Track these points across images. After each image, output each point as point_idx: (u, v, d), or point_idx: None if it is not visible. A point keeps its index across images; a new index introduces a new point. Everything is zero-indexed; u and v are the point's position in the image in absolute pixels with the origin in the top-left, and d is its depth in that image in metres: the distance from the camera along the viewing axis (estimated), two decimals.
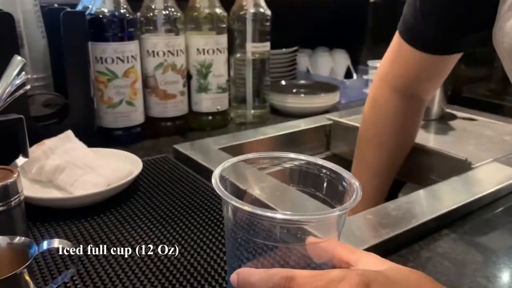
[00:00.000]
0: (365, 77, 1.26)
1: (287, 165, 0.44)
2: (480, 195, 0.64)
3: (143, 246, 0.54)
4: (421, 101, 0.77)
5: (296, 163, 0.44)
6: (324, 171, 0.42)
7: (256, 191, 0.47)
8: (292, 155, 0.43)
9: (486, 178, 0.70)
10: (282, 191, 0.53)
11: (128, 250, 0.53)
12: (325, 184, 0.42)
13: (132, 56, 0.87)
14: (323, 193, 0.42)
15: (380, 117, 0.78)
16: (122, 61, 0.86)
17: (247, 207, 0.34)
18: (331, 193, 0.41)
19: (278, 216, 0.34)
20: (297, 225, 0.38)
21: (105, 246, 0.54)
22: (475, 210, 0.63)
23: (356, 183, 0.38)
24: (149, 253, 0.53)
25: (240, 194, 0.41)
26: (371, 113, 0.79)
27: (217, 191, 0.36)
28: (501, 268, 0.52)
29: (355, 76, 1.42)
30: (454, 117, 1.04)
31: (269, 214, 0.34)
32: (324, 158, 1.00)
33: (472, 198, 0.63)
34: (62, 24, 0.79)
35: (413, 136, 0.81)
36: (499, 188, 0.66)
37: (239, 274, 0.35)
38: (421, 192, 0.65)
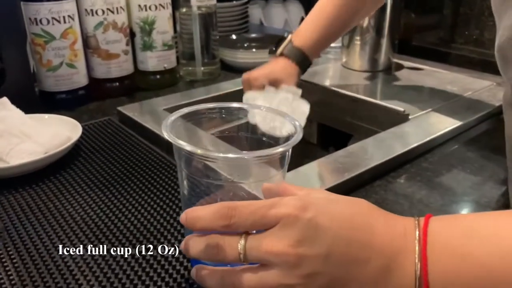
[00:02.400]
0: None
1: (234, 117, 0.49)
2: (412, 146, 0.66)
3: (82, 213, 0.55)
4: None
5: (242, 113, 0.49)
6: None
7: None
8: (235, 104, 0.48)
9: (421, 129, 0.72)
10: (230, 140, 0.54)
11: (64, 217, 0.54)
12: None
13: (69, 16, 0.83)
14: (268, 137, 0.47)
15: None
16: (59, 21, 0.82)
17: (194, 149, 0.38)
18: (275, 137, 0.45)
19: (220, 155, 0.39)
20: (237, 162, 0.41)
21: (40, 215, 0.54)
22: (408, 161, 0.66)
23: (297, 124, 0.43)
24: (87, 219, 0.53)
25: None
26: None
27: (168, 138, 0.40)
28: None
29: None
30: (401, 67, 1.05)
31: (212, 154, 0.38)
32: None
33: (405, 149, 0.65)
34: None
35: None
36: (433, 138, 0.69)
37: (187, 213, 0.37)
38: (355, 146, 0.67)
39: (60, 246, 0.49)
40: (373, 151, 0.65)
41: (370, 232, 0.35)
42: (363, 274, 0.34)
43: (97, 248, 0.48)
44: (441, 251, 0.33)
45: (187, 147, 0.39)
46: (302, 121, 0.71)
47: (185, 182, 0.43)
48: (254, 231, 0.36)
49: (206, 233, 0.37)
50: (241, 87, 0.96)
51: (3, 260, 0.47)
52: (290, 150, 0.41)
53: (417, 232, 0.34)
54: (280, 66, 0.81)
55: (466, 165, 0.66)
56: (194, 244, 0.37)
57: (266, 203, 0.35)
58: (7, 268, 0.46)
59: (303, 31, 0.83)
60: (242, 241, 0.35)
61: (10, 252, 0.48)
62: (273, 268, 0.34)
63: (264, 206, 0.35)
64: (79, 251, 0.48)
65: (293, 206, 0.34)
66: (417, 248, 0.34)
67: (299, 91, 0.77)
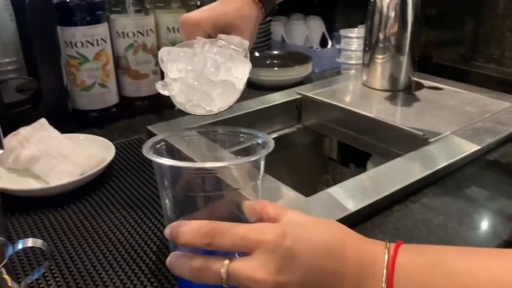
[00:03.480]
0: (337, 46, 1.27)
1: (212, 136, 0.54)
2: (432, 170, 0.68)
3: (116, 232, 0.58)
4: None
5: (221, 132, 0.53)
6: (242, 135, 0.51)
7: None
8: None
9: (440, 153, 0.74)
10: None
11: (99, 235, 0.57)
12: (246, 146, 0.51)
13: (102, 39, 0.88)
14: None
15: None
16: (92, 44, 0.87)
17: (171, 162, 0.42)
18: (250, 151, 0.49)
19: (196, 165, 0.44)
20: (212, 173, 0.44)
21: (77, 233, 0.58)
22: (426, 185, 0.68)
23: (268, 139, 0.47)
24: (121, 238, 0.57)
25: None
26: None
27: (147, 155, 0.44)
28: (446, 243, 0.57)
29: (330, 43, 1.43)
30: (421, 86, 1.07)
31: (187, 165, 0.43)
32: (295, 131, 1.04)
33: (424, 174, 0.67)
34: (28, 10, 0.80)
35: None
36: (451, 162, 0.71)
37: (171, 227, 0.39)
38: (375, 170, 0.69)
39: (97, 264, 0.53)
40: (393, 175, 0.68)
41: (343, 258, 0.38)
42: None
43: (130, 267, 0.52)
44: (406, 281, 0.37)
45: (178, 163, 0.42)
46: (239, 88, 0.56)
47: (167, 202, 0.46)
48: (236, 254, 0.39)
49: (190, 249, 0.40)
50: (264, 106, 1.00)
51: (47, 277, 0.51)
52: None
53: (385, 261, 0.38)
54: (233, 5, 0.62)
55: (485, 189, 0.68)
56: (179, 264, 0.39)
57: (247, 227, 0.38)
58: (49, 283, 0.50)
59: None
60: (225, 266, 0.37)
61: (52, 268, 0.52)
62: None
63: (246, 229, 0.38)
64: (114, 269, 0.52)
65: (273, 233, 0.37)
66: (384, 274, 0.37)
67: (245, 43, 0.59)
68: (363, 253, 0.39)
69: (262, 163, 0.46)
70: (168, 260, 0.41)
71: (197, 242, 0.38)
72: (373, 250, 0.39)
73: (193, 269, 0.38)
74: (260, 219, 0.43)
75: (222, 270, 0.37)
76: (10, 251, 0.44)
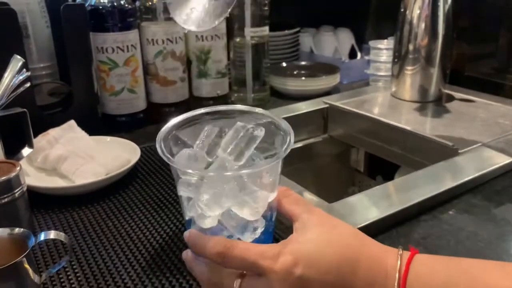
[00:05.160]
0: (366, 57, 1.26)
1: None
2: (461, 181, 0.66)
3: (138, 232, 0.59)
4: None
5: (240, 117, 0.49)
6: (264, 120, 0.48)
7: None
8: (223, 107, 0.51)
9: (470, 164, 0.72)
10: None
11: (121, 234, 0.58)
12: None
13: (132, 45, 0.90)
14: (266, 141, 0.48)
15: None
16: (122, 50, 0.89)
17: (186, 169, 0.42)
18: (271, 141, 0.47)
19: (208, 174, 0.43)
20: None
21: (100, 231, 0.59)
22: (456, 196, 0.66)
23: (290, 133, 0.45)
24: (142, 238, 0.57)
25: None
26: None
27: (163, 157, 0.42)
28: (474, 254, 0.55)
29: (359, 55, 1.42)
30: (451, 98, 1.04)
31: (198, 172, 0.42)
32: (321, 141, 1.02)
33: (453, 185, 0.65)
34: (62, 17, 0.82)
35: None
36: (482, 174, 0.69)
37: (191, 233, 0.42)
38: (403, 179, 0.67)
39: (117, 261, 0.53)
40: (421, 184, 0.66)
41: (354, 276, 0.38)
42: None
43: (150, 266, 0.52)
44: None
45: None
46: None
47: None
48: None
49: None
50: (290, 114, 0.99)
51: (67, 271, 0.51)
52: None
53: (396, 279, 0.37)
54: None
55: None
56: (197, 270, 0.42)
57: (259, 251, 0.38)
58: (69, 277, 0.50)
59: None
60: (237, 283, 0.39)
61: (73, 263, 0.53)
62: None
63: (257, 254, 0.38)
64: (134, 267, 0.52)
65: (285, 263, 0.37)
66: None
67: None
68: (375, 270, 0.39)
69: (278, 162, 0.43)
70: (185, 254, 0.43)
71: (210, 257, 0.40)
72: (384, 268, 0.39)
73: (209, 283, 0.41)
74: (279, 208, 0.44)
75: (235, 286, 0.39)
76: (32, 242, 0.44)
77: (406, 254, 0.39)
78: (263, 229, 0.42)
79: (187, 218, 0.44)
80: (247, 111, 0.50)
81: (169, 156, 0.43)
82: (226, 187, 0.41)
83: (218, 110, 0.51)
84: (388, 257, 0.39)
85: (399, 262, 0.38)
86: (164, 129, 0.47)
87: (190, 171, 0.42)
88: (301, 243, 0.40)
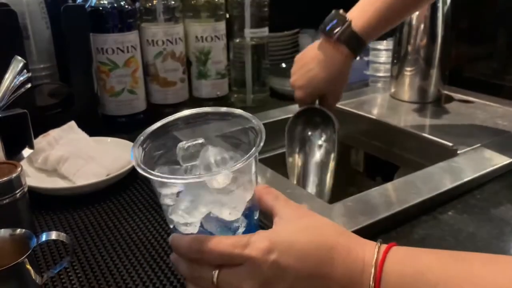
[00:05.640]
0: (365, 58, 1.27)
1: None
2: (461, 181, 0.66)
3: (138, 232, 0.59)
4: None
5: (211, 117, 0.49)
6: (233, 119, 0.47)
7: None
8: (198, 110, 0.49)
9: (470, 165, 0.72)
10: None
11: (121, 235, 0.58)
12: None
13: (132, 46, 0.90)
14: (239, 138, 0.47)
15: None
16: (123, 51, 0.89)
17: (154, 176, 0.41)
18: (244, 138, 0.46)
19: (178, 181, 0.41)
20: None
21: (100, 231, 0.59)
22: (455, 197, 0.66)
23: (262, 131, 0.43)
24: (142, 238, 0.57)
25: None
26: None
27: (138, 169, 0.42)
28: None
29: (357, 57, 1.42)
30: (451, 99, 1.05)
31: (171, 180, 0.40)
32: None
33: (453, 185, 0.65)
34: (63, 18, 0.83)
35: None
36: (481, 174, 0.69)
37: (173, 238, 0.42)
38: (402, 180, 0.68)
39: (118, 261, 0.53)
40: (420, 185, 0.66)
41: (331, 266, 0.38)
42: None
43: (150, 266, 0.52)
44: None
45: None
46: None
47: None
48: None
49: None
50: (289, 115, 0.99)
51: (69, 272, 0.51)
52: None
53: (372, 270, 0.38)
54: (331, 72, 0.77)
55: None
56: (180, 269, 0.43)
57: (234, 241, 0.39)
58: (70, 277, 0.50)
59: (362, 11, 0.74)
60: (215, 275, 0.39)
61: (74, 264, 0.53)
62: None
63: (232, 245, 0.38)
64: (135, 268, 0.52)
65: (258, 249, 0.38)
66: (371, 285, 0.37)
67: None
68: (352, 261, 0.39)
69: (252, 159, 0.41)
70: (172, 259, 0.43)
71: (191, 257, 0.41)
72: (361, 258, 0.39)
73: (191, 277, 0.42)
74: (260, 205, 0.44)
75: (214, 278, 0.39)
76: (34, 242, 0.45)
77: (384, 246, 0.39)
78: (244, 228, 0.43)
79: (171, 226, 0.44)
80: (215, 112, 0.49)
81: (140, 163, 0.42)
82: (202, 191, 0.42)
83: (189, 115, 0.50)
84: (365, 248, 0.39)
85: (375, 254, 0.38)
86: (139, 138, 0.46)
87: (163, 177, 0.41)
88: (276, 231, 0.40)
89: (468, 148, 0.77)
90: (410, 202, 0.61)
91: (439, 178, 0.68)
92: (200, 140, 0.47)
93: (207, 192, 0.42)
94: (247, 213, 0.43)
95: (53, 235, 0.46)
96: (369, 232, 0.57)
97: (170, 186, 0.43)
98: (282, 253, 0.38)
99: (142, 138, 0.46)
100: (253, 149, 0.41)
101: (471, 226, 0.60)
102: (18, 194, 0.54)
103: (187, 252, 0.41)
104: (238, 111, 0.47)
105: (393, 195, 0.64)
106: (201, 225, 0.42)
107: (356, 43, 0.75)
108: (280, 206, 0.42)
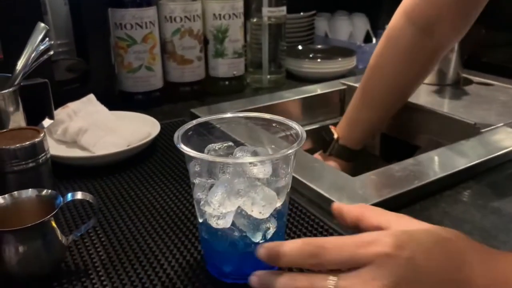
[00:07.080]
0: None
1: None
2: (485, 158, 0.65)
3: (160, 200, 0.58)
4: (438, 45, 0.73)
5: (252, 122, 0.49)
6: (274, 124, 0.47)
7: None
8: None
9: (493, 142, 0.71)
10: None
11: (144, 203, 0.58)
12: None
13: (150, 22, 0.89)
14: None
15: (391, 48, 0.75)
16: (141, 26, 0.88)
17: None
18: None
19: (229, 160, 0.43)
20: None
21: (122, 200, 0.59)
22: (479, 173, 0.65)
23: (299, 130, 0.43)
24: (165, 206, 0.57)
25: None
26: (383, 41, 0.76)
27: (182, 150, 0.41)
28: (492, 229, 0.54)
29: (374, 40, 1.41)
30: (469, 82, 1.03)
31: (218, 159, 0.42)
32: (337, 123, 1.02)
33: (477, 161, 0.64)
34: None
35: (420, 80, 0.79)
36: (505, 152, 0.68)
37: (268, 248, 0.35)
38: (425, 155, 0.67)
39: (141, 227, 0.53)
40: (444, 160, 0.65)
41: (470, 270, 0.33)
42: None
43: (174, 232, 0.52)
44: None
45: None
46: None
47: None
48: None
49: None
50: (306, 95, 0.99)
51: (92, 237, 0.51)
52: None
53: None
54: None
55: None
56: (280, 283, 0.34)
57: (356, 240, 0.33)
58: (94, 242, 0.50)
59: (347, 126, 0.82)
60: (332, 282, 0.33)
61: (96, 228, 0.53)
62: None
63: (354, 243, 0.33)
64: (158, 233, 0.51)
65: (388, 244, 0.32)
66: None
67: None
68: (492, 267, 0.34)
69: (292, 158, 0.43)
70: (254, 279, 0.36)
71: (302, 263, 0.35)
72: (502, 267, 0.34)
73: None
74: (358, 226, 0.39)
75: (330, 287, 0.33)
76: (60, 202, 0.44)
77: None
78: (274, 230, 0.42)
79: (200, 220, 0.44)
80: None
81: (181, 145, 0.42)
82: (236, 182, 0.41)
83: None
84: (501, 259, 0.35)
85: None
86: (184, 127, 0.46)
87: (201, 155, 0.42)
88: (402, 231, 0.35)
89: (491, 127, 0.76)
90: (434, 177, 0.61)
91: (463, 154, 0.67)
92: (229, 143, 0.48)
93: (241, 183, 0.41)
94: (277, 216, 0.42)
95: (79, 195, 0.46)
96: (393, 204, 0.57)
97: (208, 173, 0.43)
98: (416, 251, 0.32)
99: (187, 127, 0.46)
100: (296, 143, 0.41)
101: (495, 201, 0.59)
102: (41, 159, 0.53)
103: (299, 257, 0.34)
104: (281, 118, 0.47)
105: (416, 169, 0.63)
106: (233, 223, 0.41)
107: (347, 155, 0.85)
108: (391, 217, 0.38)
